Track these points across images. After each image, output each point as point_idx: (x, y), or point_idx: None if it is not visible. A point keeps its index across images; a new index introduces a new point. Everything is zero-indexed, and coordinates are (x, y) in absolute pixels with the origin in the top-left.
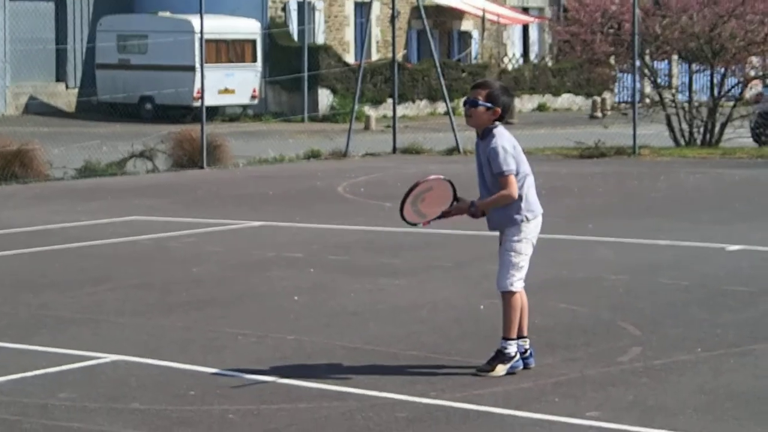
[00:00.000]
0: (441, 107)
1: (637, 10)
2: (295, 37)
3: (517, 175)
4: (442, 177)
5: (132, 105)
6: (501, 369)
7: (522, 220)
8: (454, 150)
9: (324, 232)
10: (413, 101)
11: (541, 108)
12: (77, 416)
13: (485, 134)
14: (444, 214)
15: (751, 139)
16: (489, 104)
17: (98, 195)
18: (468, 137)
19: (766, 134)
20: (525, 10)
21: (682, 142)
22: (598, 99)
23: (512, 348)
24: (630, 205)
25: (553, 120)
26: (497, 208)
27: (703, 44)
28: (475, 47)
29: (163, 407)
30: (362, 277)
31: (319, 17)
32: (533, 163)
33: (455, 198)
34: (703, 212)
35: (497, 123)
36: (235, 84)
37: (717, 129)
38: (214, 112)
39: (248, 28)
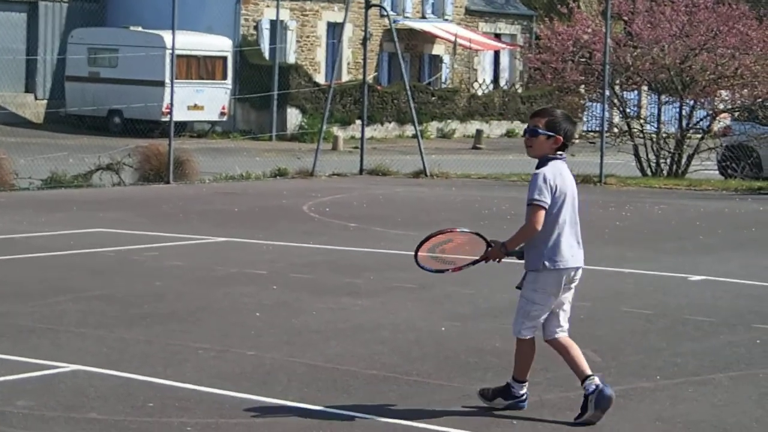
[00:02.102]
0: (409, 130)
1: (609, 40)
2: (267, 56)
3: (550, 214)
4: (468, 230)
5: (100, 118)
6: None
7: (540, 267)
8: (420, 173)
9: (288, 250)
10: (382, 123)
11: (510, 134)
12: (34, 424)
13: (540, 164)
14: (481, 259)
15: (717, 172)
16: (550, 133)
17: (63, 206)
18: (434, 161)
19: (733, 167)
20: (497, 37)
21: (649, 172)
22: None
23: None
24: (595, 232)
25: (522, 146)
26: (528, 248)
27: (673, 76)
28: (445, 71)
29: (122, 418)
30: (325, 296)
31: (291, 37)
32: (500, 189)
33: (488, 244)
34: (667, 242)
35: (560, 153)
36: (204, 100)
37: (684, 160)
38: (183, 128)
39: (220, 45)
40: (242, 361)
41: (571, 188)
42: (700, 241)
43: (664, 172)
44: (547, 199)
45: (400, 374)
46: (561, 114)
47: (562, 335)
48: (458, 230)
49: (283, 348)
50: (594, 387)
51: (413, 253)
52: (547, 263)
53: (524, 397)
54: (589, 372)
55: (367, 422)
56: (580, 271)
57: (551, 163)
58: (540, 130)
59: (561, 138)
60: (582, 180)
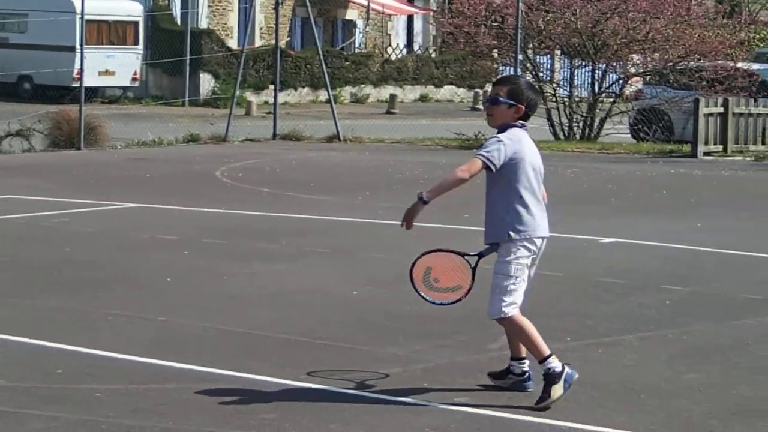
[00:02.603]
0: (323, 95)
1: (521, 5)
2: (178, 21)
3: (510, 181)
4: (431, 251)
5: (10, 84)
6: (557, 389)
7: (506, 238)
8: (334, 138)
9: (201, 216)
10: (295, 88)
11: (424, 99)
12: None
13: (500, 131)
14: (473, 268)
15: (629, 136)
16: (512, 101)
17: None
18: (348, 125)
19: (645, 131)
20: (410, 1)
21: (562, 136)
22: (480, 91)
23: (553, 364)
24: None
25: (435, 111)
26: (492, 220)
27: (585, 40)
28: (359, 36)
29: (31, 384)
30: (238, 262)
31: (203, 1)
32: (413, 153)
33: (461, 254)
34: (579, 205)
35: (520, 122)
36: (115, 66)
37: (596, 124)
38: (94, 94)
39: (130, 10)
40: (154, 327)
41: (532, 157)
42: (611, 204)
43: (577, 136)
44: (495, 160)
45: (314, 339)
46: (525, 83)
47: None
48: (423, 256)
49: (196, 314)
50: (560, 366)
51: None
52: (512, 233)
53: (527, 375)
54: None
55: (280, 386)
56: (545, 241)
57: (510, 130)
58: (502, 99)
59: (523, 108)
60: None
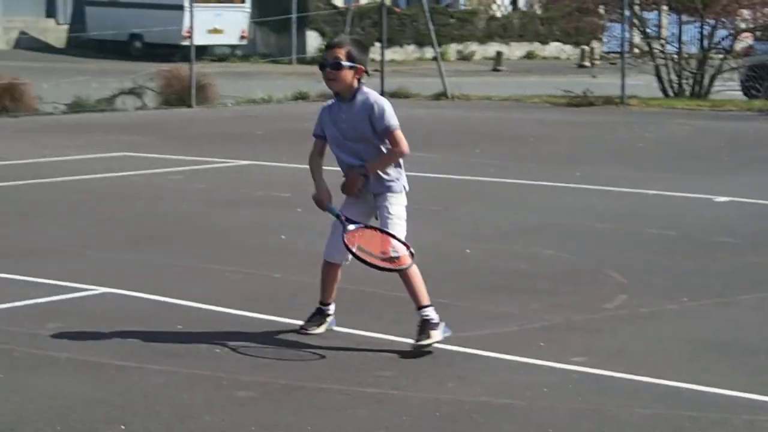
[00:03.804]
0: (429, 52)
1: None
2: None
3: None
4: (350, 229)
5: (121, 42)
6: (435, 334)
7: (400, 190)
8: (441, 95)
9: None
10: (401, 46)
11: (530, 56)
12: (67, 347)
13: (353, 95)
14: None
15: (740, 92)
16: (353, 63)
17: (87, 130)
18: (455, 83)
19: (756, 87)
20: None
21: (671, 93)
22: (586, 48)
23: (432, 314)
24: (618, 154)
25: (542, 68)
26: (385, 173)
27: None
28: None
29: (152, 340)
30: None
31: None
32: (522, 110)
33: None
34: (691, 163)
35: (363, 82)
36: (224, 24)
37: (706, 81)
38: (203, 52)
39: None
40: (269, 283)
41: None
42: (724, 162)
43: (687, 93)
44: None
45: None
46: (356, 42)
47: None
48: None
49: (309, 270)
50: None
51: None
52: (405, 186)
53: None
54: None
55: (395, 343)
56: None
57: (368, 90)
58: (344, 63)
59: (362, 68)
60: (604, 101)
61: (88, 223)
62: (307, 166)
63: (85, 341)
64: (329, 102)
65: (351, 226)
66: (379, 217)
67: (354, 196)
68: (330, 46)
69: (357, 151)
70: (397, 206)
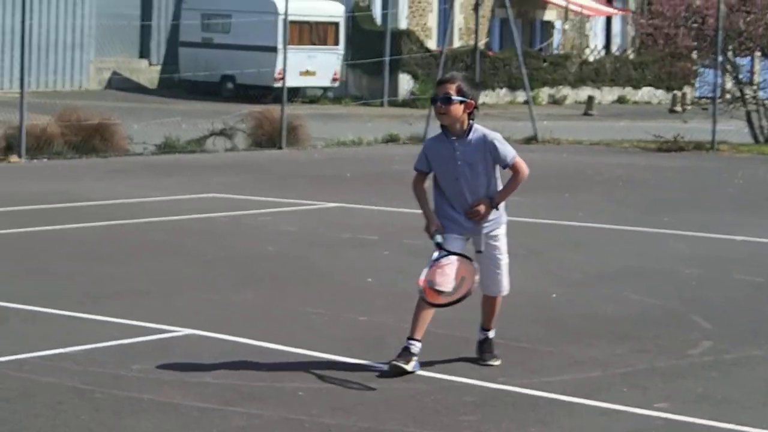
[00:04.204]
0: (520, 96)
1: (722, 6)
2: (378, 21)
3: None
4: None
5: (213, 83)
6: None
7: (506, 221)
8: (532, 139)
9: (399, 216)
10: (493, 89)
11: (621, 100)
12: (149, 388)
13: (467, 132)
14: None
15: None
16: (463, 98)
17: (177, 171)
18: (546, 126)
19: None
20: (609, 2)
21: (762, 139)
22: (678, 93)
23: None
24: (706, 199)
25: (633, 113)
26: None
27: None
28: (557, 37)
29: (235, 382)
30: None
31: (403, 2)
32: (613, 155)
33: (466, 257)
34: None
35: (473, 118)
36: (316, 66)
37: None
38: (295, 94)
39: (332, 10)
40: (354, 326)
41: None
42: None
43: None
44: None
45: (510, 340)
46: (468, 78)
47: None
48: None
49: (395, 313)
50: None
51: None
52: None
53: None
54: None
55: (478, 388)
56: None
57: (481, 127)
58: (453, 97)
59: (473, 102)
60: (694, 146)
61: (174, 264)
62: (394, 209)
63: (168, 383)
64: (433, 137)
65: (444, 260)
66: (484, 249)
67: (478, 223)
68: (441, 82)
69: (471, 186)
70: (504, 244)
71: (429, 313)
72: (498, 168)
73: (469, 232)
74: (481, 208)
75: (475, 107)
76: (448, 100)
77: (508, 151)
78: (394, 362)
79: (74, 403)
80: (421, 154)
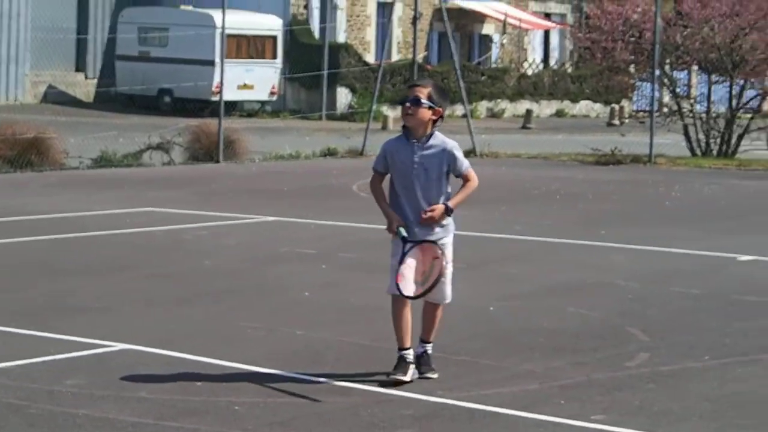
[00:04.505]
0: (459, 110)
1: (659, 20)
2: (317, 35)
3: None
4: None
5: (150, 97)
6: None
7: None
8: (470, 152)
9: (337, 230)
10: None
11: (560, 114)
12: (84, 403)
13: (428, 137)
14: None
15: (767, 152)
16: (432, 104)
17: (114, 185)
18: (484, 140)
19: None
20: (547, 16)
21: (699, 152)
22: (616, 107)
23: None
24: (644, 212)
25: (571, 126)
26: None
27: (723, 55)
28: (495, 51)
29: (170, 397)
30: (373, 275)
31: (341, 16)
32: (551, 168)
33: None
34: (716, 222)
35: (437, 126)
36: (254, 79)
37: (734, 140)
38: (233, 107)
39: (270, 24)
40: (291, 341)
41: None
42: (749, 220)
43: (714, 152)
44: None
45: (449, 354)
46: (439, 87)
47: None
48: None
49: (332, 327)
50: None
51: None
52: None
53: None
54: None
55: (416, 402)
56: None
57: (441, 135)
58: (423, 101)
59: (441, 110)
60: (632, 160)
61: (111, 279)
62: (332, 223)
63: (103, 398)
64: (393, 138)
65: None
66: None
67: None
68: (413, 85)
69: (424, 191)
70: (450, 254)
71: (407, 317)
72: (449, 177)
73: (418, 239)
74: (436, 213)
75: (441, 117)
76: (417, 102)
77: (463, 161)
78: (393, 375)
79: (9, 419)
80: (380, 155)
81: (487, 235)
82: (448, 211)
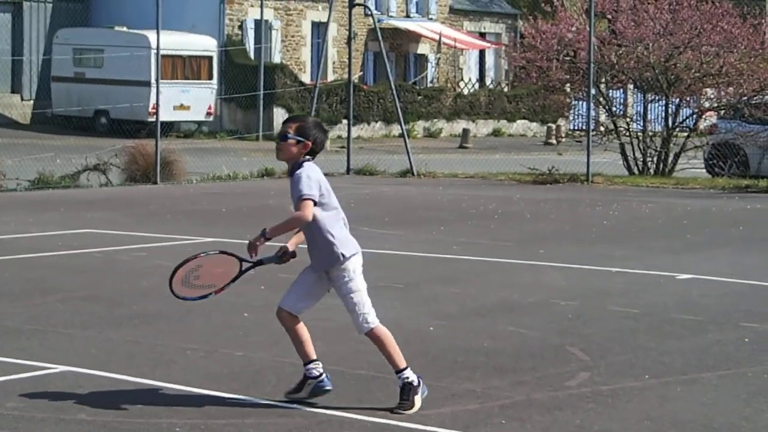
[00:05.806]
0: (396, 129)
1: (594, 39)
2: (252, 56)
3: (328, 210)
4: (213, 252)
5: (87, 118)
6: (417, 400)
7: (341, 259)
8: (407, 172)
9: (275, 250)
10: (368, 123)
11: (496, 133)
12: (24, 426)
13: (294, 169)
14: (241, 273)
15: (704, 170)
16: (299, 138)
17: (51, 207)
18: (421, 160)
19: (720, 165)
20: (482, 36)
21: (636, 170)
22: (552, 126)
23: (411, 375)
24: (582, 231)
25: (508, 145)
26: (317, 250)
27: (658, 74)
28: (431, 71)
29: (111, 419)
30: None
31: (276, 36)
32: (488, 188)
33: (240, 260)
34: (654, 241)
35: (308, 158)
36: (190, 100)
37: (671, 159)
38: (169, 128)
39: (205, 45)
40: (231, 362)
41: (327, 184)
42: (687, 239)
43: (651, 171)
44: (316, 195)
45: (389, 374)
46: (313, 122)
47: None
48: (202, 254)
49: (272, 348)
50: (416, 379)
51: (169, 286)
52: (345, 253)
53: (323, 375)
54: (403, 364)
55: (356, 422)
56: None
57: (306, 165)
58: (290, 135)
59: (310, 144)
60: (569, 179)
61: (48, 301)
62: (269, 243)
63: (44, 420)
64: None
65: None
66: (332, 290)
67: (250, 254)
68: (285, 121)
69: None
70: (346, 285)
71: (301, 331)
72: (330, 204)
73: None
74: (256, 242)
75: (313, 150)
76: (284, 138)
77: (297, 189)
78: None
79: None
80: None
81: (425, 255)
82: (264, 234)
